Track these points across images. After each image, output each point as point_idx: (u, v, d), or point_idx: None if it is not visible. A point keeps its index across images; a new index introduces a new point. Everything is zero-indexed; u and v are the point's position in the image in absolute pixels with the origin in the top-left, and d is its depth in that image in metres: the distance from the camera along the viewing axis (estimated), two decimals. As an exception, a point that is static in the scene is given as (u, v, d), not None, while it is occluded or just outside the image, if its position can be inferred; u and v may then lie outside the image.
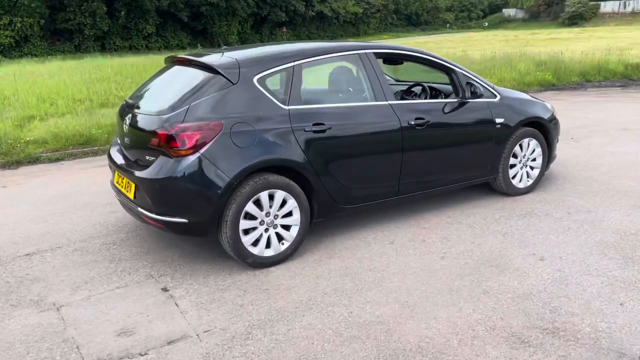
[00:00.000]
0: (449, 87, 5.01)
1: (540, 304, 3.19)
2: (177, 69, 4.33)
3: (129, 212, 4.09)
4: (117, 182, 4.12)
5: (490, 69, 13.68)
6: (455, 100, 4.61)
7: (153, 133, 3.59)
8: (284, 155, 3.71)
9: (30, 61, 26.76)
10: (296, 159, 3.74)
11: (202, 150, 3.47)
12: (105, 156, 7.29)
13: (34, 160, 6.99)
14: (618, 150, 6.75)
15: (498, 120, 4.76)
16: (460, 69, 4.68)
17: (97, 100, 10.32)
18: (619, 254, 3.81)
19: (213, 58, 3.89)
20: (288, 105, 3.79)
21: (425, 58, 4.59)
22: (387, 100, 4.22)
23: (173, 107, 3.61)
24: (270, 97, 3.75)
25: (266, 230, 3.76)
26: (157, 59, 20.96)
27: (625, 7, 66.03)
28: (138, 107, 3.98)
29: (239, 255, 3.67)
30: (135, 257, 4.04)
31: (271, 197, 3.72)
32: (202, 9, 48.87)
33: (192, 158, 3.47)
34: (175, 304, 3.34)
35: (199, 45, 43.20)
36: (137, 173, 3.71)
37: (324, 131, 3.85)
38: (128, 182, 3.89)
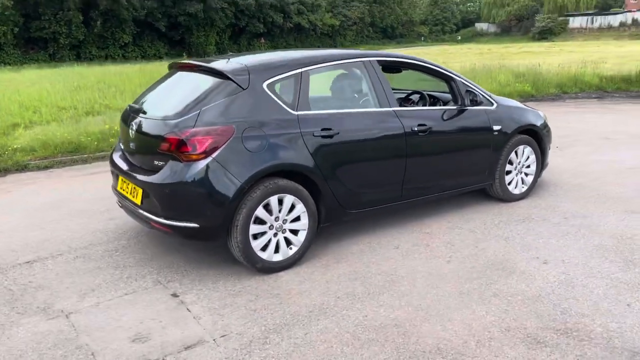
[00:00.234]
0: (445, 95, 5.12)
1: (551, 306, 3.25)
2: (181, 74, 4.32)
3: (134, 217, 4.04)
4: (121, 188, 4.07)
5: (472, 79, 13.89)
6: (456, 107, 4.69)
7: (162, 138, 3.57)
8: (294, 160, 3.72)
9: (3, 70, 26.26)
10: (305, 164, 3.76)
11: (214, 155, 3.47)
12: (95, 164, 7.27)
13: (23, 168, 6.85)
14: (603, 159, 6.94)
15: (495, 128, 4.86)
16: (460, 77, 4.78)
17: (82, 108, 10.17)
18: (619, 257, 3.91)
19: (222, 64, 3.90)
20: (297, 111, 3.81)
21: (426, 66, 4.68)
22: (390, 107, 4.27)
23: (183, 112, 3.61)
24: (280, 102, 3.77)
25: (275, 234, 3.76)
26: (140, 68, 20.82)
27: (592, 22, 67.96)
28: (145, 113, 3.95)
29: (248, 260, 3.66)
30: (140, 263, 3.99)
31: (280, 202, 3.73)
32: (180, 19, 48.69)
33: (204, 162, 3.46)
34: (187, 309, 3.31)
35: (184, 54, 43.00)
36: (146, 178, 3.68)
37: (332, 136, 3.88)
38: (134, 188, 3.85)
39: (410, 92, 5.23)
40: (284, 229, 3.79)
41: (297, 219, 3.84)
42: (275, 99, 3.76)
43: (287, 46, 55.98)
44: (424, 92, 5.10)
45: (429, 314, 3.20)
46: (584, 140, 8.21)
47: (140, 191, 3.76)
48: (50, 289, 3.60)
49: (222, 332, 3.05)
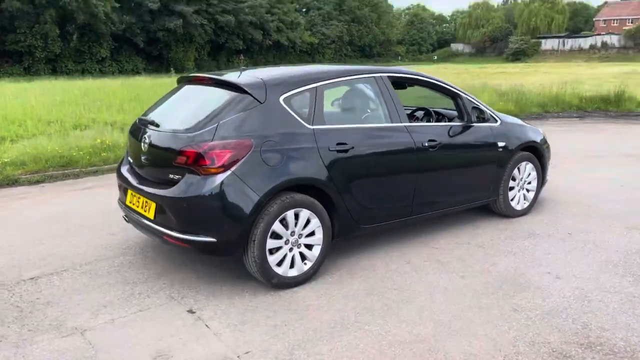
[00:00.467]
0: (449, 112, 5.18)
1: (570, 320, 3.27)
2: (191, 88, 4.29)
3: (143, 231, 3.96)
4: (131, 202, 3.99)
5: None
6: (463, 123, 4.75)
7: (179, 151, 3.52)
8: (311, 174, 3.70)
9: (-23, 83, 25.70)
10: (322, 178, 3.75)
11: (233, 168, 3.43)
12: (87, 178, 7.14)
13: (13, 183, 6.68)
14: (594, 176, 7.08)
15: (500, 144, 4.92)
16: (465, 94, 4.84)
17: (69, 122, 9.99)
18: (628, 273, 3.96)
19: (237, 77, 3.88)
20: (312, 125, 3.80)
21: (435, 83, 4.73)
22: (401, 122, 4.30)
23: (200, 125, 3.57)
24: (296, 116, 3.76)
25: (290, 249, 3.72)
26: (122, 82, 20.58)
27: (564, 45, 69.96)
28: (157, 126, 3.90)
29: (264, 275, 3.61)
30: (150, 279, 3.90)
31: (296, 216, 3.70)
32: (159, 34, 48.55)
33: (223, 176, 3.42)
34: (206, 325, 3.24)
35: (173, 70, 42.48)
36: (161, 192, 3.61)
37: (346, 151, 3.88)
38: (146, 202, 3.77)
39: (415, 108, 5.27)
40: (299, 244, 3.76)
41: (312, 233, 3.81)
42: (292, 113, 3.75)
43: (266, 63, 56.18)
44: (430, 109, 5.16)
45: (452, 329, 3.19)
46: (573, 158, 8.37)
47: (153, 205, 3.69)
48: (59, 306, 3.49)
49: (246, 348, 2.99)
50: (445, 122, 5.02)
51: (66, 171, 7.12)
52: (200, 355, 2.92)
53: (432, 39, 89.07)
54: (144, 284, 3.82)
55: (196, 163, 3.45)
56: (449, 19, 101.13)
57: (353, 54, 72.54)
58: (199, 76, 4.24)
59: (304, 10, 68.92)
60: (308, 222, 3.77)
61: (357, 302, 3.54)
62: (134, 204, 3.95)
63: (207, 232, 3.47)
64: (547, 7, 78.53)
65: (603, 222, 5.12)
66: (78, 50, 45.08)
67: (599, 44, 67.18)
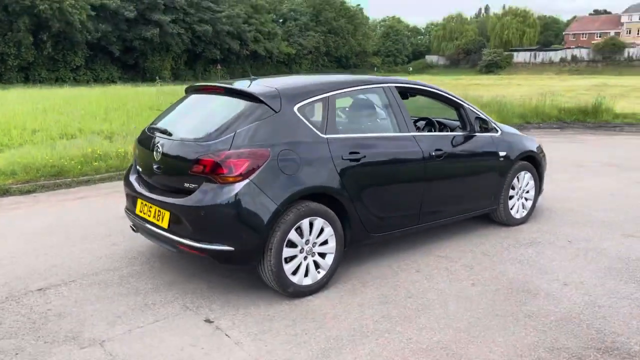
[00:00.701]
0: (451, 122, 5.26)
1: (584, 326, 3.34)
2: (199, 97, 4.29)
3: (155, 241, 3.92)
4: (141, 211, 3.94)
5: (441, 109, 14.32)
6: (467, 133, 4.83)
7: (196, 160, 3.50)
8: (325, 183, 3.72)
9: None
10: (336, 187, 3.77)
11: (251, 177, 3.43)
12: (79, 188, 7.02)
13: (4, 192, 6.52)
14: (584, 185, 7.25)
15: (501, 154, 5.02)
16: (468, 104, 4.93)
17: (55, 131, 9.81)
18: (632, 279, 4.07)
19: (251, 86, 3.88)
20: (325, 134, 3.83)
21: (439, 94, 4.81)
22: (409, 132, 4.36)
23: (216, 134, 3.56)
24: (310, 125, 3.78)
25: (305, 258, 3.73)
26: (103, 91, 20.30)
27: (535, 57, 71.62)
28: (170, 134, 3.87)
29: (280, 284, 3.60)
30: (161, 289, 3.85)
31: (310, 225, 3.70)
32: (134, 43, 48.13)
33: (241, 185, 3.41)
34: (226, 334, 3.22)
35: (158, 80, 41.99)
36: (176, 200, 3.58)
37: (359, 159, 3.91)
38: (159, 210, 3.74)
39: (417, 118, 5.34)
40: (314, 252, 3.76)
41: (325, 242, 3.82)
42: (306, 122, 3.77)
43: (244, 73, 56.14)
44: (433, 119, 5.23)
45: (471, 335, 3.23)
46: (560, 167, 8.54)
47: (167, 214, 3.66)
48: (73, 317, 3.43)
49: (269, 357, 2.98)
50: (447, 131, 5.09)
51: (58, 181, 6.99)
52: (225, 365, 2.90)
53: (408, 50, 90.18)
54: (156, 294, 3.78)
55: (213, 172, 3.44)
56: (423, 31, 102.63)
57: (330, 64, 72.94)
58: (209, 85, 4.23)
59: (280, 20, 69.12)
60: (322, 230, 3.78)
61: (373, 310, 3.56)
62: (145, 213, 3.90)
63: (225, 241, 3.45)
64: (519, 21, 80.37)
65: (600, 230, 5.24)
66: (52, 58, 44.38)
67: (569, 57, 68.99)
